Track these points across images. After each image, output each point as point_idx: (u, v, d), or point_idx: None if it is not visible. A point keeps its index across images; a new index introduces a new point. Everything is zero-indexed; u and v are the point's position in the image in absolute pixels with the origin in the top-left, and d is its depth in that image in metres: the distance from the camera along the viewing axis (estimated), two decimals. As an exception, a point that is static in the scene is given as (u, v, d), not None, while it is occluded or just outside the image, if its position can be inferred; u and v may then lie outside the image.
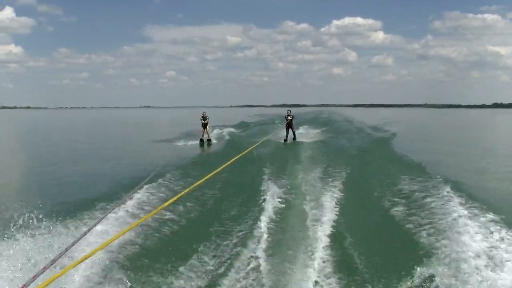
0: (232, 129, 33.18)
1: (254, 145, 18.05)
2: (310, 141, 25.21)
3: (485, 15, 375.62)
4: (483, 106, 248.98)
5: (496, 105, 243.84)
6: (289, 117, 25.36)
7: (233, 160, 11.89)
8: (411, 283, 5.86)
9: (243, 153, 14.39)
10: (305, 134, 30.39)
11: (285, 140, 25.18)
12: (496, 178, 14.99)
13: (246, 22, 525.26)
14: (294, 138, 25.66)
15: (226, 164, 10.76)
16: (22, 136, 42.75)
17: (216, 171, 9.65)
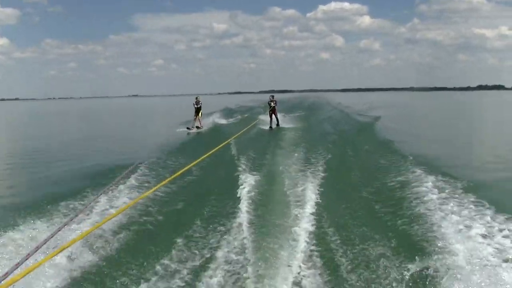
0: (216, 117, 32.47)
1: (237, 134, 18.04)
2: (291, 127, 24.99)
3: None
4: (468, 89, 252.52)
5: (480, 87, 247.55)
6: (272, 103, 25.20)
7: (215, 149, 11.79)
8: (397, 270, 5.79)
9: (226, 142, 14.38)
10: (287, 120, 30.07)
11: (270, 127, 25.02)
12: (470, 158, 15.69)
13: (233, 8, 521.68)
14: (278, 125, 25.48)
15: (207, 154, 10.70)
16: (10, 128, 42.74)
17: (195, 162, 9.56)
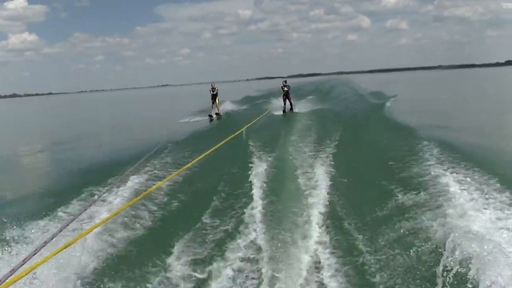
0: (233, 105, 32.76)
1: (252, 121, 18.50)
2: (306, 112, 25.16)
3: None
4: (496, 64, 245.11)
5: (509, 62, 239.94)
6: (285, 88, 25.80)
7: (229, 138, 11.99)
8: (409, 256, 5.72)
9: (240, 130, 14.74)
10: (301, 105, 30.12)
11: (284, 111, 25.66)
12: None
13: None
14: (292, 109, 26.06)
15: (221, 143, 10.81)
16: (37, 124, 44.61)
17: (210, 150, 9.72)
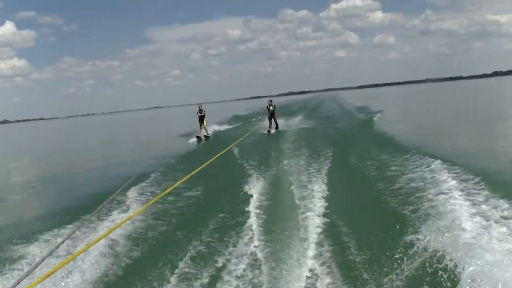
0: (221, 125, 32.96)
1: (238, 140, 18.75)
2: (294, 129, 25.77)
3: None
4: (483, 76, 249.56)
5: (495, 74, 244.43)
6: (271, 107, 26.17)
7: (217, 156, 12.04)
8: (406, 266, 5.73)
9: (227, 148, 14.86)
10: (290, 122, 30.82)
11: (269, 130, 25.90)
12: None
13: (245, 14, 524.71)
14: (277, 128, 26.41)
15: (209, 161, 10.81)
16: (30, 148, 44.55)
17: (199, 169, 9.70)
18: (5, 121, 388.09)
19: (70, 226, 8.43)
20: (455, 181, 8.76)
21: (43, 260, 4.29)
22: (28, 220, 9.86)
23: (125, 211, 9.21)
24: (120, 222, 6.69)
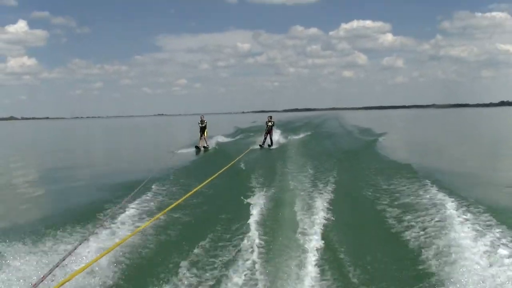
0: (222, 137, 32.60)
1: (240, 156, 18.48)
2: (296, 146, 25.47)
3: (494, 13, 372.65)
4: (490, 105, 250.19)
5: (502, 103, 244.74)
6: (270, 123, 25.67)
7: (219, 172, 11.99)
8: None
9: (229, 165, 14.70)
10: (292, 139, 30.51)
11: (261, 145, 25.28)
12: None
13: (256, 28, 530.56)
14: (270, 145, 25.54)
15: (212, 177, 10.75)
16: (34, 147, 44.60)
17: (202, 185, 9.66)
18: (11, 118, 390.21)
19: (76, 233, 8.20)
20: (456, 207, 8.93)
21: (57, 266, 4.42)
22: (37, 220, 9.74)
23: (128, 223, 8.91)
24: (127, 236, 6.64)
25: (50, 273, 4.29)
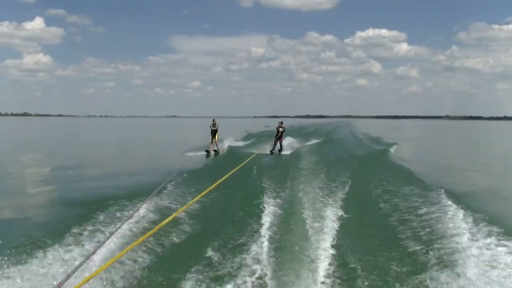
0: (235, 141, 32.79)
1: (245, 161, 18.42)
2: (308, 153, 25.51)
3: (511, 26, 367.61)
4: (504, 118, 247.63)
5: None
6: (280, 129, 25.69)
7: (225, 177, 12.08)
8: None
9: (234, 170, 14.59)
10: (303, 145, 30.54)
11: (271, 151, 25.40)
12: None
13: (271, 32, 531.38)
14: (280, 151, 25.70)
15: (222, 179, 10.89)
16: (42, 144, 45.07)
17: (212, 187, 9.79)
18: (25, 114, 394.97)
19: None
20: (468, 221, 8.94)
21: (81, 265, 4.59)
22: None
23: (139, 229, 8.82)
24: (141, 237, 6.74)
25: (74, 272, 4.46)
